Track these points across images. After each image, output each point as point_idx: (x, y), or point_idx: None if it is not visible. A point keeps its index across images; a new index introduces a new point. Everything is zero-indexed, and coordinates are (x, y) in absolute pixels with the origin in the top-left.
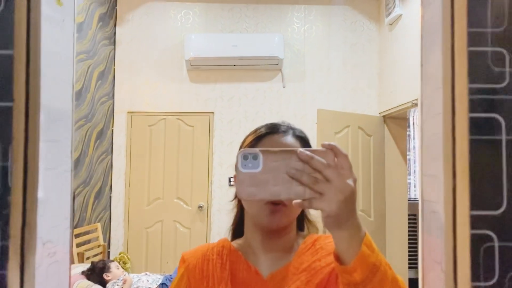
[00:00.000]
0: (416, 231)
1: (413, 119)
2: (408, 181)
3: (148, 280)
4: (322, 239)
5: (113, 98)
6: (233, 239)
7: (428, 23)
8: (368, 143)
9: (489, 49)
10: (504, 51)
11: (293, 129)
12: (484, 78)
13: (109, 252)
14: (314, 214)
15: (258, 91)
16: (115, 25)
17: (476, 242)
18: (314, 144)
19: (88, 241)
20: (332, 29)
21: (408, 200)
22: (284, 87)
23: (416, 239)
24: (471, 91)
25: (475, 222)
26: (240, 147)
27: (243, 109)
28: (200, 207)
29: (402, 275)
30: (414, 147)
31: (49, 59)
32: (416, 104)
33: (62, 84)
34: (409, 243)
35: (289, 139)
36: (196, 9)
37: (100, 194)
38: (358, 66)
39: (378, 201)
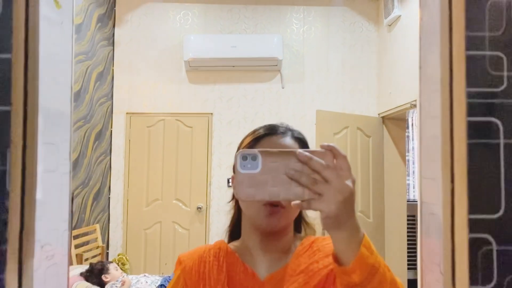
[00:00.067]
0: (415, 232)
1: (412, 120)
2: (407, 182)
3: (147, 282)
4: (319, 241)
5: (112, 99)
6: (230, 241)
7: (426, 24)
8: (367, 144)
9: (487, 53)
10: (502, 55)
11: (291, 130)
12: (482, 82)
13: (107, 253)
14: (312, 216)
15: (257, 92)
16: (113, 26)
17: (474, 245)
18: (313, 145)
19: (87, 243)
20: (331, 30)
21: (407, 201)
22: (283, 88)
23: (415, 240)
24: (469, 95)
25: (473, 226)
26: (238, 148)
27: (242, 110)
28: (199, 208)
29: (401, 276)
30: (413, 148)
31: (48, 62)
32: (415, 105)
33: (61, 87)
34: (408, 244)
35: (288, 140)
36: (195, 10)
37: (98, 195)
38: (357, 67)
39: (377, 202)
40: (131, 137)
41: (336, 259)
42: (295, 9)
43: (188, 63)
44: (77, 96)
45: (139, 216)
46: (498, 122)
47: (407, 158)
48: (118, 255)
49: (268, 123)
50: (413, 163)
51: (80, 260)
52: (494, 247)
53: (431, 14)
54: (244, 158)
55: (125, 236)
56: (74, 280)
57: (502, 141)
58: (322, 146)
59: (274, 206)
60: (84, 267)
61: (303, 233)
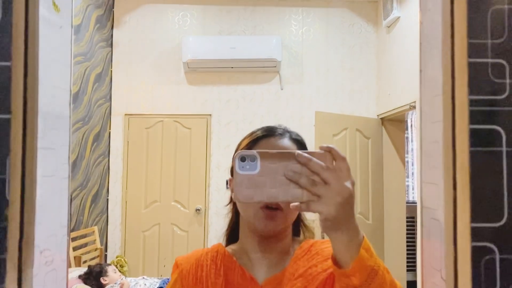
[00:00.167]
0: (414, 233)
1: (411, 121)
2: (406, 183)
3: (145, 284)
4: (318, 244)
5: (110, 100)
6: (227, 244)
7: (426, 28)
8: (366, 145)
9: (489, 60)
10: (504, 63)
11: (289, 132)
12: (484, 90)
13: (106, 255)
14: (311, 218)
15: (256, 93)
16: (112, 27)
17: (477, 254)
18: (312, 146)
19: (85, 245)
20: (330, 31)
21: (406, 203)
22: (282, 89)
23: (414, 242)
24: (472, 103)
25: (476, 234)
26: (236, 150)
27: (241, 111)
28: (197, 210)
29: (400, 277)
30: (412, 150)
31: (47, 67)
32: (414, 107)
33: (60, 91)
34: (407, 246)
35: (286, 142)
36: (194, 11)
37: (97, 197)
38: (356, 69)
39: (376, 203)
40: (130, 138)
41: (336, 262)
42: (294, 11)
43: (186, 65)
44: (76, 98)
45: (137, 218)
46: (501, 130)
47: (406, 159)
48: (117, 257)
49: (267, 124)
50: (412, 165)
51: (78, 262)
52: (497, 255)
53: (432, 19)
54: (243, 159)
55: (123, 238)
56: (73, 282)
57: (504, 149)
58: (321, 148)
59: (271, 209)
60: (83, 269)
61: (301, 237)
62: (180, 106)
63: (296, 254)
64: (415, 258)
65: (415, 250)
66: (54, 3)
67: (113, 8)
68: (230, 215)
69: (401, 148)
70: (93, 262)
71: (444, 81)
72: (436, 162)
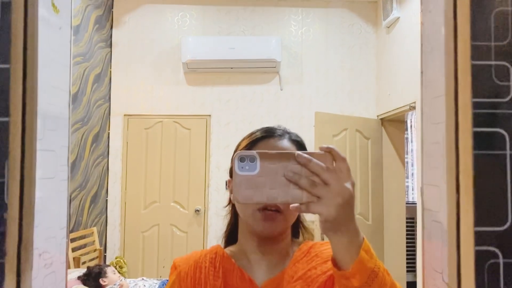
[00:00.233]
0: (414, 234)
1: (411, 122)
2: (406, 184)
3: (144, 285)
4: (317, 246)
5: (109, 101)
6: (226, 246)
7: (428, 30)
8: (366, 146)
9: (492, 62)
10: (508, 65)
11: (288, 133)
12: (488, 92)
13: (105, 256)
14: (311, 219)
15: (255, 94)
16: (111, 28)
17: (481, 258)
18: (312, 147)
19: (84, 246)
20: (329, 31)
21: (406, 203)
22: (281, 89)
23: (414, 242)
24: (475, 106)
25: (479, 238)
26: (235, 151)
27: (240, 112)
28: (197, 210)
29: (400, 278)
30: (412, 150)
31: (46, 68)
32: (414, 107)
33: (59, 93)
34: (407, 246)
35: (285, 143)
36: (193, 12)
37: (96, 198)
38: (355, 69)
39: (376, 204)
40: (129, 139)
41: (335, 263)
42: (294, 11)
43: (186, 65)
44: (75, 98)
45: (136, 218)
46: (505, 133)
47: (406, 160)
48: (116, 258)
49: (266, 125)
50: (412, 165)
51: (77, 263)
52: (501, 259)
53: (433, 20)
54: (242, 159)
55: (122, 239)
56: (72, 284)
57: (508, 152)
58: (321, 148)
59: (270, 211)
60: (82, 270)
61: (301, 238)
62: (180, 107)
63: (295, 256)
64: (414, 258)
65: (414, 250)
66: (53, 4)
67: (112, 8)
68: (229, 217)
69: (400, 149)
70: (92, 263)
71: (447, 83)
72: (437, 162)
